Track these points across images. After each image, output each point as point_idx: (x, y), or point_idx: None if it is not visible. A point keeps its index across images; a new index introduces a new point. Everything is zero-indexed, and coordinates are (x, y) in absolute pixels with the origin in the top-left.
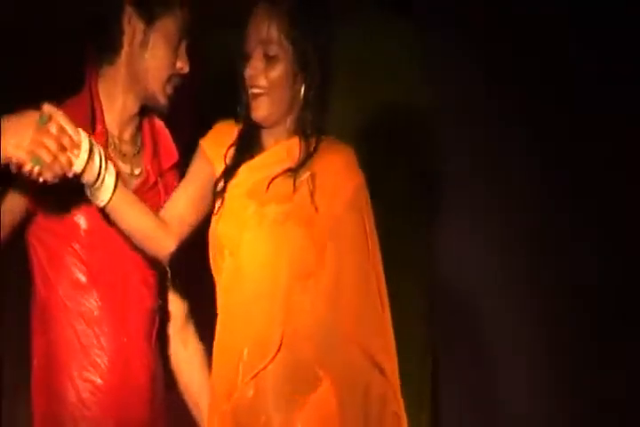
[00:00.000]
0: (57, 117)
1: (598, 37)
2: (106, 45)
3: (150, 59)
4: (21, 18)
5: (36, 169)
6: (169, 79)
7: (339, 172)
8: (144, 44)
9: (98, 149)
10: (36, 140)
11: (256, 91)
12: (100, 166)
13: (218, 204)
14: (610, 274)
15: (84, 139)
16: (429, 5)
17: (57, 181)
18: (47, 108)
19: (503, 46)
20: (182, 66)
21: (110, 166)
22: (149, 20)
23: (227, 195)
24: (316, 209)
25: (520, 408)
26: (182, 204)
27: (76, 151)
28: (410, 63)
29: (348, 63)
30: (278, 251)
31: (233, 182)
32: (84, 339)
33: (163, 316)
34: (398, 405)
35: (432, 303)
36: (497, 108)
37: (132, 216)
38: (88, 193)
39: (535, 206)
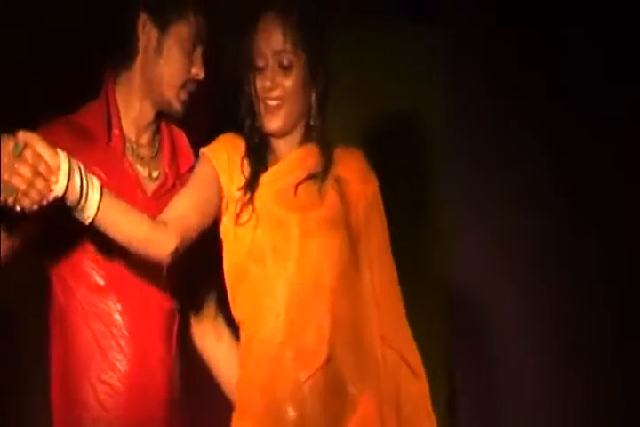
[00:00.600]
0: (33, 143)
1: (608, 46)
2: (122, 51)
3: (164, 65)
4: (38, 23)
5: (10, 200)
6: (183, 85)
7: (359, 175)
8: (158, 50)
9: (78, 169)
10: (8, 168)
11: (272, 103)
12: (82, 186)
13: (246, 213)
14: (626, 279)
15: (62, 161)
16: (445, 14)
17: (36, 208)
18: (22, 135)
19: (514, 58)
20: (197, 72)
21: (94, 181)
22: (163, 26)
23: (257, 205)
24: (347, 212)
25: (531, 408)
26: (184, 205)
27: (53, 178)
28: (423, 71)
29: (360, 69)
30: (320, 256)
31: (259, 192)
32: (103, 342)
33: (181, 317)
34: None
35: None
36: (508, 117)
37: (125, 225)
38: (74, 213)
39: (547, 211)
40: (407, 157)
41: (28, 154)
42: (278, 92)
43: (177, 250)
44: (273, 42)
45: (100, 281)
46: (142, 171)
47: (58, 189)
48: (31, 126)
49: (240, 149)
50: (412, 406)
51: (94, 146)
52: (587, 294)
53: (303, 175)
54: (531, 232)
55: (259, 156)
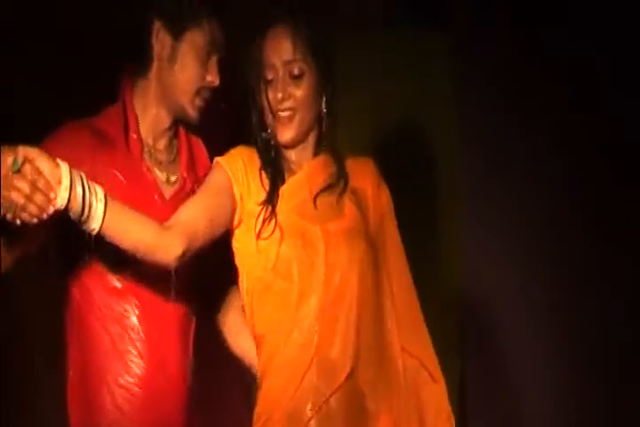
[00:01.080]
0: (33, 158)
1: (625, 50)
2: (138, 58)
3: (179, 72)
4: (57, 29)
5: (9, 214)
6: (198, 92)
7: (372, 185)
8: (172, 57)
9: (80, 180)
10: (7, 183)
11: (284, 114)
12: (84, 198)
13: (269, 228)
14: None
15: (64, 174)
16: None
17: (36, 221)
18: (22, 150)
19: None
20: (212, 79)
21: (99, 192)
22: (177, 34)
23: (279, 218)
24: (366, 223)
25: (543, 417)
26: (192, 210)
27: (52, 194)
28: (434, 79)
29: (371, 77)
30: (346, 268)
31: (280, 206)
32: (121, 345)
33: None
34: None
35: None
36: (521, 126)
37: (131, 232)
38: (79, 224)
39: (561, 223)
40: (419, 167)
41: (27, 169)
42: (290, 103)
43: (184, 254)
44: (283, 52)
45: (118, 284)
46: (160, 175)
47: (59, 203)
48: (50, 129)
49: (256, 161)
50: (433, 411)
51: (114, 150)
52: (600, 311)
53: (320, 187)
54: (544, 243)
55: (275, 168)
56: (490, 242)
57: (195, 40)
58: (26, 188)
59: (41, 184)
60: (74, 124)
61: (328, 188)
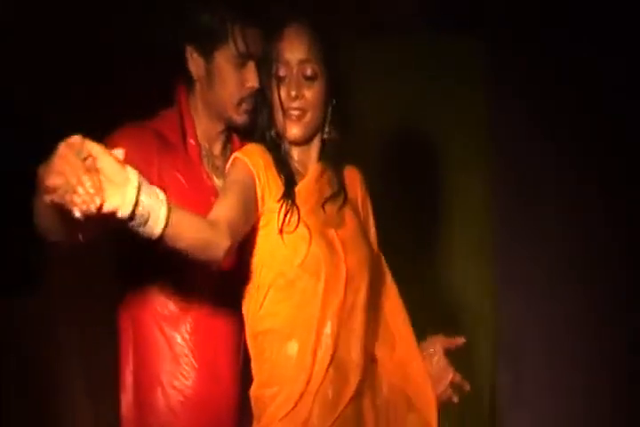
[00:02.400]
0: (97, 155)
1: None
2: (185, 77)
3: (219, 89)
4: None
5: (67, 197)
6: (241, 101)
7: (361, 193)
8: (209, 76)
9: (146, 185)
10: (60, 164)
11: (294, 112)
12: (150, 200)
13: (293, 221)
14: None
15: (131, 173)
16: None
17: (78, 215)
18: (89, 145)
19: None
20: (252, 84)
21: (159, 193)
22: (208, 55)
23: (303, 217)
24: (365, 230)
25: None
26: (231, 204)
27: (97, 199)
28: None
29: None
30: (359, 273)
31: (299, 204)
32: (176, 348)
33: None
34: None
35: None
36: (551, 140)
37: (187, 231)
38: (139, 229)
39: (592, 249)
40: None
41: (87, 163)
42: (300, 103)
43: (230, 249)
44: (298, 50)
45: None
46: (217, 182)
47: (127, 205)
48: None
49: (269, 158)
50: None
51: (175, 153)
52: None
53: (327, 193)
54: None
55: (288, 165)
56: (519, 267)
57: (226, 57)
58: (73, 178)
59: (90, 180)
60: (136, 125)
61: (332, 196)
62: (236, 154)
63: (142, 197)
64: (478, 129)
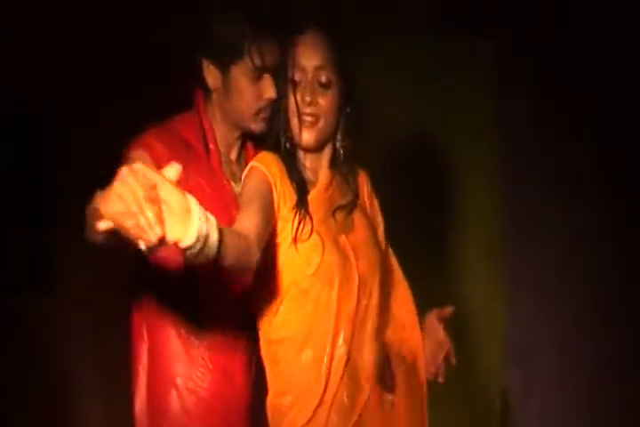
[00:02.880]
0: (157, 185)
1: None
2: (202, 86)
3: (236, 101)
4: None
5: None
6: (258, 111)
7: (369, 196)
8: (226, 89)
9: (202, 213)
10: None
11: (309, 118)
12: (205, 228)
13: (306, 229)
14: None
15: (192, 201)
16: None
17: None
18: (150, 174)
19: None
20: (269, 96)
21: (210, 217)
22: (224, 69)
23: (315, 226)
24: (376, 233)
25: None
26: (255, 214)
27: (157, 229)
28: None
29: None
30: (371, 278)
31: (311, 213)
32: (193, 351)
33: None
34: None
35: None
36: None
37: (232, 249)
38: (193, 257)
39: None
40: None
41: (150, 192)
42: (314, 110)
43: (260, 259)
44: (314, 57)
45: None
46: (235, 187)
47: (187, 240)
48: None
49: (283, 167)
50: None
51: (197, 158)
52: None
53: (338, 201)
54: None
55: (300, 174)
56: (529, 269)
57: (242, 71)
58: (134, 206)
59: (152, 211)
60: (162, 127)
61: (344, 206)
62: (252, 163)
63: (202, 226)
64: (485, 130)
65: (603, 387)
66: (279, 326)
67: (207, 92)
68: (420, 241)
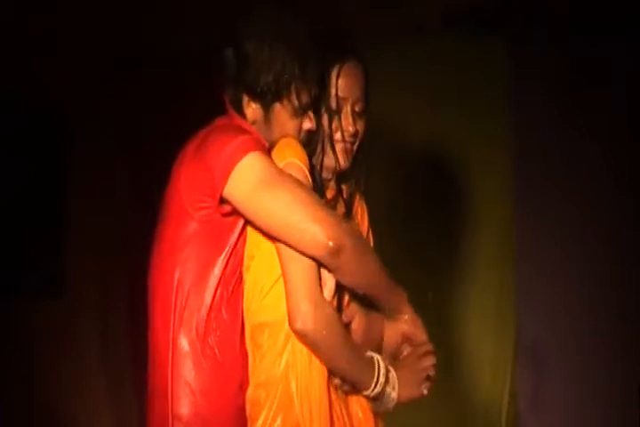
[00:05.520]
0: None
1: None
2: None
3: (277, 133)
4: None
5: None
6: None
7: (361, 203)
8: (267, 122)
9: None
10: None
11: (349, 146)
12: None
13: None
14: None
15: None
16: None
17: None
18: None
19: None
20: (309, 127)
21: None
22: (267, 107)
23: None
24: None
25: None
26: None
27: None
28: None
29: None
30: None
31: None
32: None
33: None
34: None
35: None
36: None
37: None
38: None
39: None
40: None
41: None
42: (354, 137)
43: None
44: (356, 88)
45: None
46: None
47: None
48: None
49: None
50: None
51: None
52: None
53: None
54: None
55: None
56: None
57: (285, 106)
58: None
59: None
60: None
61: (344, 212)
62: (294, 160)
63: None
64: (499, 130)
65: (614, 392)
66: (265, 309)
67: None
68: (432, 242)
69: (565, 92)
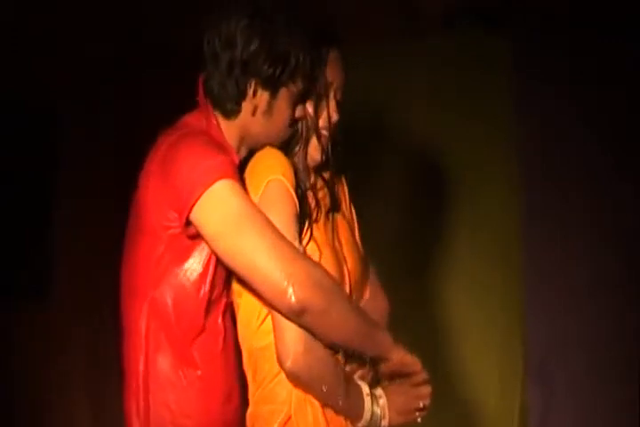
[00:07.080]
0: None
1: None
2: (225, 108)
3: (272, 123)
4: None
5: None
6: (287, 132)
7: (346, 201)
8: (268, 111)
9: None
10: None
11: (326, 133)
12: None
13: (306, 238)
14: None
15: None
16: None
17: None
18: None
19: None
20: (301, 114)
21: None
22: (274, 91)
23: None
24: (353, 228)
25: None
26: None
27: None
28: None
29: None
30: (361, 275)
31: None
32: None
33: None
34: None
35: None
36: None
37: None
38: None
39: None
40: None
41: None
42: (334, 126)
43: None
44: (340, 76)
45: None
46: None
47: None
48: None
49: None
50: None
51: None
52: None
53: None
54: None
55: (305, 189)
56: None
57: (290, 92)
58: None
59: None
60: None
61: (333, 208)
62: (279, 177)
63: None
64: (503, 128)
65: (625, 402)
66: (266, 333)
67: (226, 115)
68: (437, 241)
69: (569, 91)
